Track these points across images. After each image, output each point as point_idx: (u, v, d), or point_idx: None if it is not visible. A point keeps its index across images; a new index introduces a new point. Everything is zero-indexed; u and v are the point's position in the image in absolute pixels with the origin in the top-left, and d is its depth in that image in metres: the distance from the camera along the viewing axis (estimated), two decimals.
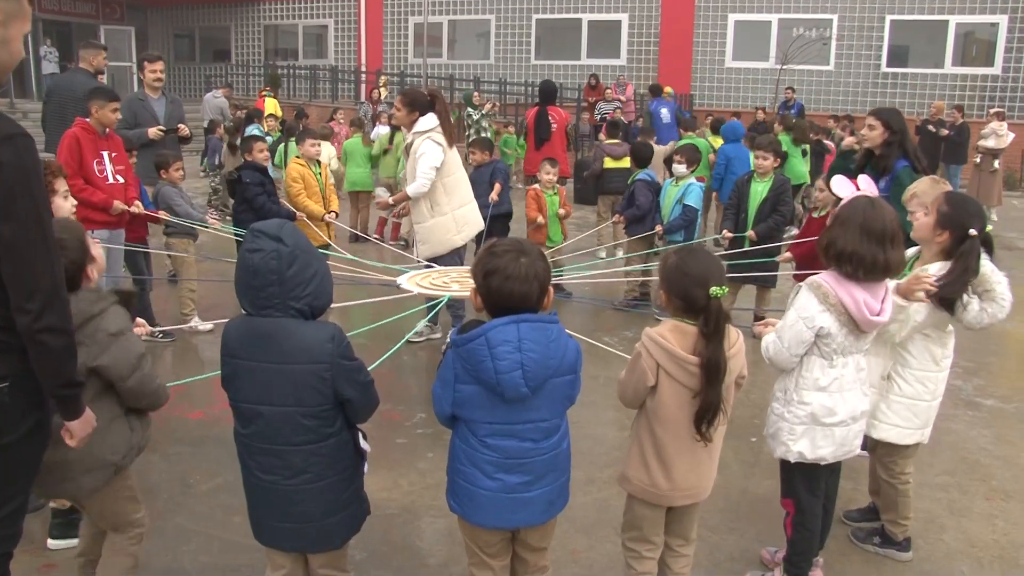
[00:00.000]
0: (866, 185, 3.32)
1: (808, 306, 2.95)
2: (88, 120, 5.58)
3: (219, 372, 2.53)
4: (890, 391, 3.40)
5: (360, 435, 2.68)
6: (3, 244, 2.06)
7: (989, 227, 3.27)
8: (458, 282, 4.68)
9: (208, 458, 4.29)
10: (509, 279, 2.37)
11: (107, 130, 5.69)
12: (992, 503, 4.10)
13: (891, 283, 3.07)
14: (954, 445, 4.76)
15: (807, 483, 3.17)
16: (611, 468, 4.11)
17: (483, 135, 11.33)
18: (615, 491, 3.15)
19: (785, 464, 3.17)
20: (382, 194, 6.93)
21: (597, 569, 3.44)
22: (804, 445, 3.05)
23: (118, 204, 5.58)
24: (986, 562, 3.59)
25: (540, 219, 7.47)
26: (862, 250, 2.85)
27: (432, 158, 5.68)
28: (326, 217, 6.71)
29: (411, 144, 5.83)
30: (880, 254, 2.85)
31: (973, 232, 3.15)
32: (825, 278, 2.96)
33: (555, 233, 7.56)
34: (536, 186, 7.71)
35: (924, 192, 3.51)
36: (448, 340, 2.52)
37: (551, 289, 2.49)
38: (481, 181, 7.22)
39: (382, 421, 4.85)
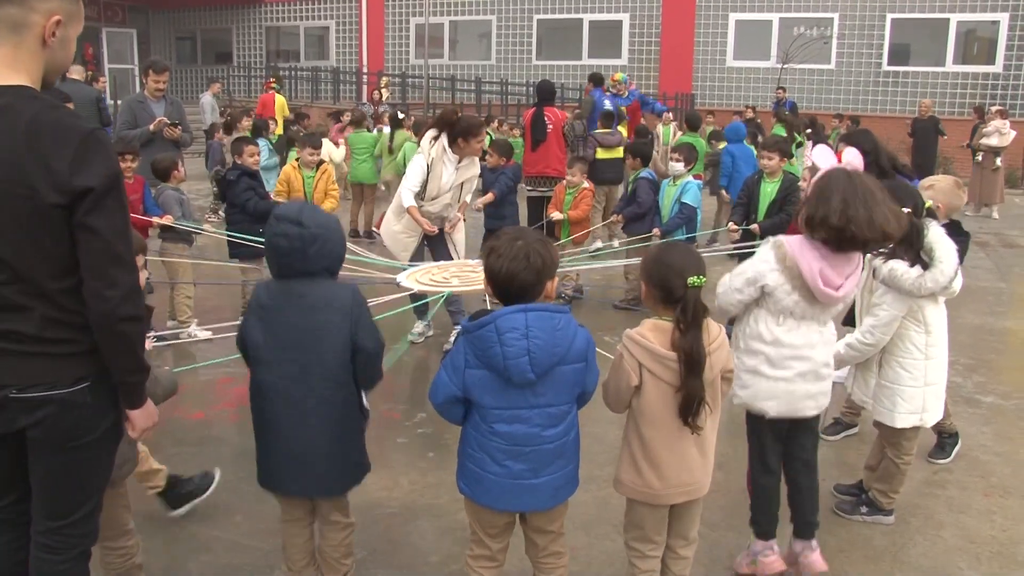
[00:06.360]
0: (851, 158, 3.21)
1: (764, 259, 3.05)
2: None
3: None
4: (879, 376, 3.73)
5: (363, 395, 2.88)
6: (95, 236, 2.10)
7: (928, 203, 3.71)
8: (458, 277, 4.68)
9: (209, 458, 4.29)
10: (501, 258, 2.52)
11: None
12: (991, 499, 4.11)
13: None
14: None
15: (754, 436, 3.35)
16: (611, 466, 4.07)
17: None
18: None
19: (746, 420, 3.35)
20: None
21: (596, 566, 3.46)
22: (748, 394, 3.20)
23: None
24: (984, 558, 3.60)
25: (556, 215, 7.49)
26: (843, 218, 2.86)
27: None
28: None
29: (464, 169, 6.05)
30: (864, 217, 2.86)
31: (907, 210, 3.45)
32: (790, 240, 3.02)
33: (563, 232, 7.51)
34: (564, 182, 7.76)
35: (941, 190, 3.90)
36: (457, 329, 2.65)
37: (555, 279, 2.60)
38: (489, 186, 7.37)
39: (382, 420, 4.86)
